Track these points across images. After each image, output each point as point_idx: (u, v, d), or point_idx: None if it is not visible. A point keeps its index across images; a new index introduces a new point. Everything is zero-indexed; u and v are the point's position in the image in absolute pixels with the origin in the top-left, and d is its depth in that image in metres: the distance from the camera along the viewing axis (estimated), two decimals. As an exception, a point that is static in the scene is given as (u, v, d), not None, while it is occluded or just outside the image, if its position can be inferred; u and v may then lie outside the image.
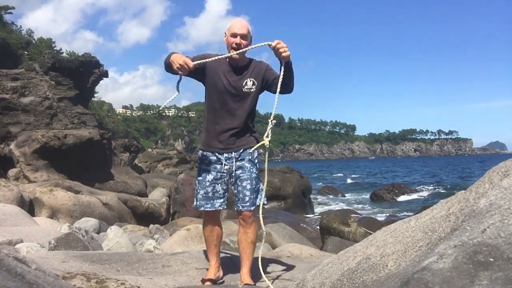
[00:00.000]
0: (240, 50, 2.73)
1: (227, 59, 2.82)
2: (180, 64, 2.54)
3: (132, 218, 9.82)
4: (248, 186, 2.83)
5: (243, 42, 2.74)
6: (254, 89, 2.85)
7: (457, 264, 1.21)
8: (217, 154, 2.86)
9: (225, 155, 2.85)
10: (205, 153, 2.89)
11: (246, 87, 2.82)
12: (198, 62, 2.66)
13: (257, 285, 2.92)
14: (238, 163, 2.85)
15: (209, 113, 2.91)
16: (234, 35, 2.74)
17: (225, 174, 2.87)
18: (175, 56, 2.60)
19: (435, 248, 1.44)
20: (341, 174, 49.46)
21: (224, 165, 2.85)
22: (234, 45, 2.73)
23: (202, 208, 2.89)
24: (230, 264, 3.34)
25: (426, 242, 1.66)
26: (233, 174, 2.86)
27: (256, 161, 2.93)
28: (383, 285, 1.52)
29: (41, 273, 1.67)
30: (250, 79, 2.83)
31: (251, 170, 2.87)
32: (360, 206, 18.74)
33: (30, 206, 7.81)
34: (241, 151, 2.85)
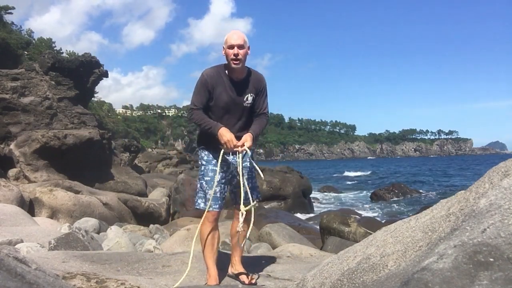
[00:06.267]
0: None
1: (227, 73, 2.92)
2: (233, 145, 2.78)
3: (132, 218, 9.82)
4: (250, 185, 2.98)
5: (241, 52, 2.85)
6: (252, 102, 3.02)
7: (457, 264, 1.21)
8: (224, 155, 2.91)
9: (231, 156, 2.93)
10: (212, 153, 2.95)
11: (246, 102, 2.98)
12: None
13: (257, 284, 2.93)
14: (242, 164, 2.94)
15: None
16: (231, 47, 2.85)
17: (229, 174, 2.98)
18: (226, 134, 2.79)
19: (435, 248, 1.44)
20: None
21: (231, 165, 2.95)
22: (232, 56, 2.84)
23: (210, 209, 2.89)
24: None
25: (426, 242, 1.66)
26: (236, 174, 2.95)
27: (254, 161, 3.08)
28: (383, 285, 1.52)
29: (41, 273, 1.67)
30: (251, 94, 2.99)
31: (252, 169, 3.05)
32: (360, 206, 18.74)
33: (30, 206, 7.82)
34: (243, 153, 2.95)
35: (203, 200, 2.93)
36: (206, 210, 2.89)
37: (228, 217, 8.94)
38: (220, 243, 5.48)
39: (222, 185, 2.94)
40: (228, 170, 2.96)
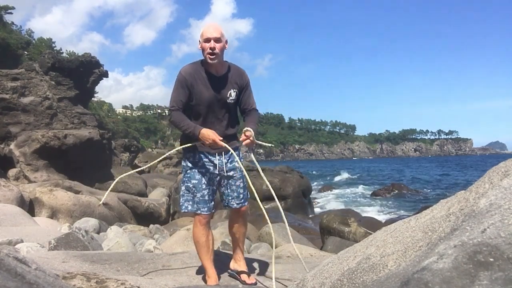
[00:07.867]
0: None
1: (206, 69, 2.80)
2: (214, 141, 2.67)
3: (132, 218, 9.82)
4: (241, 185, 2.97)
5: (217, 45, 2.71)
6: (236, 98, 2.92)
7: (457, 264, 1.21)
8: (210, 156, 2.86)
9: (217, 157, 2.86)
10: (197, 155, 2.85)
11: (230, 98, 2.87)
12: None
13: (257, 284, 2.93)
14: (229, 165, 2.90)
15: (195, 121, 2.86)
16: (207, 40, 2.71)
17: (217, 175, 2.89)
18: (209, 134, 2.68)
19: (435, 248, 1.44)
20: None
21: (217, 166, 2.86)
22: (208, 50, 2.71)
23: (198, 212, 2.84)
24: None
25: (426, 242, 1.66)
26: (225, 175, 2.90)
27: (242, 160, 3.03)
28: (383, 285, 1.52)
29: (41, 273, 1.67)
30: (234, 90, 2.87)
31: (241, 169, 2.98)
32: (360, 205, 18.74)
33: (30, 206, 7.82)
34: (229, 152, 2.88)
35: (190, 203, 2.85)
36: (195, 213, 2.85)
37: (228, 217, 8.94)
38: (220, 243, 5.50)
39: (210, 187, 2.86)
40: (215, 172, 2.86)
